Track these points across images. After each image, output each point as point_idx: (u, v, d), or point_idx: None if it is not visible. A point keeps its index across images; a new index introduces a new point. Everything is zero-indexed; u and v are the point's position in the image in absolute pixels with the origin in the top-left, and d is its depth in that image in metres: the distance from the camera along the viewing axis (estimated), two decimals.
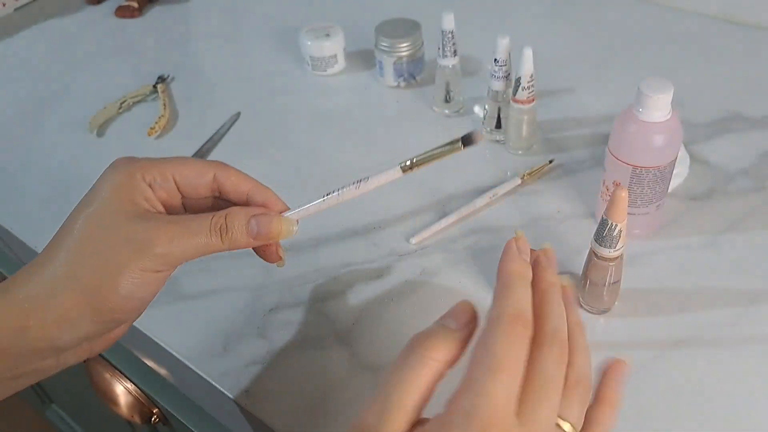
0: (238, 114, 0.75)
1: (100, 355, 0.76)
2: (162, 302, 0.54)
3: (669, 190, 0.54)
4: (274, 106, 0.76)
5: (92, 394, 0.80)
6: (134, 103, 0.79)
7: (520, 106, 0.61)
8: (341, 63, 0.79)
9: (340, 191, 0.40)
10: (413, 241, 0.57)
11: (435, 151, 0.39)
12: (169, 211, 0.40)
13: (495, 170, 0.63)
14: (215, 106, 0.77)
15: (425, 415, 0.30)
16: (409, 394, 0.29)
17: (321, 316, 0.52)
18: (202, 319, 0.53)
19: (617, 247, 0.45)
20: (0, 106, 0.81)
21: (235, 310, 0.53)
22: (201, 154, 0.70)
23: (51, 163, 0.71)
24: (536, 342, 0.31)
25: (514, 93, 0.61)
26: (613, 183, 0.52)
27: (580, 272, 0.50)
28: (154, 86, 0.80)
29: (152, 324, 0.53)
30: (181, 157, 0.40)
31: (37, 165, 0.71)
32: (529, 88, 0.60)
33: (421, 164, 0.39)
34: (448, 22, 0.64)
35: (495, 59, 0.61)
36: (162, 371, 0.60)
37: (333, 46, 0.77)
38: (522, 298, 0.32)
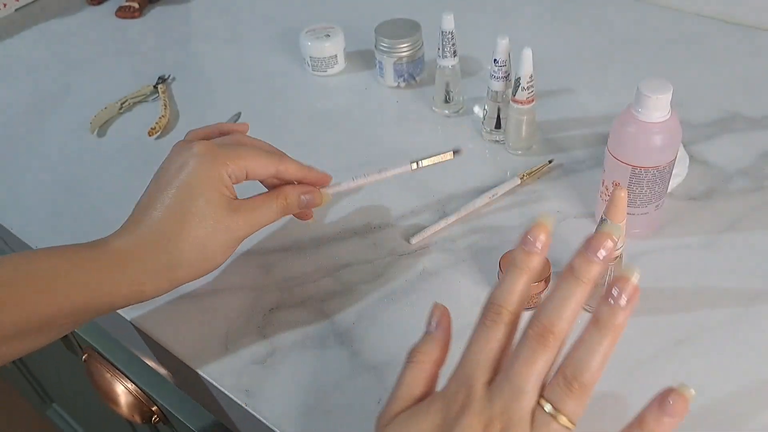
0: (239, 114, 0.75)
1: (100, 355, 0.76)
2: (162, 302, 0.54)
3: (668, 190, 0.54)
4: (275, 106, 0.76)
5: (93, 393, 0.80)
6: (135, 104, 0.79)
7: (520, 106, 0.61)
8: (341, 63, 0.80)
9: (366, 175, 0.52)
10: (413, 241, 0.57)
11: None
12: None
13: (495, 170, 0.63)
14: (216, 106, 0.77)
15: None
16: (401, 387, 0.36)
17: (321, 316, 0.52)
18: (202, 318, 0.53)
19: (617, 247, 0.45)
20: (1, 107, 0.81)
21: (235, 309, 0.53)
22: None
23: (52, 163, 0.71)
24: (524, 330, 0.34)
25: (514, 93, 0.61)
26: (612, 183, 0.52)
27: None
28: (155, 86, 0.80)
29: (152, 324, 0.53)
30: (252, 149, 0.49)
31: (38, 165, 0.71)
32: (528, 88, 0.60)
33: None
34: (448, 22, 0.64)
35: (494, 59, 0.62)
36: (162, 371, 0.60)
37: (333, 47, 0.77)
38: (507, 288, 0.35)
